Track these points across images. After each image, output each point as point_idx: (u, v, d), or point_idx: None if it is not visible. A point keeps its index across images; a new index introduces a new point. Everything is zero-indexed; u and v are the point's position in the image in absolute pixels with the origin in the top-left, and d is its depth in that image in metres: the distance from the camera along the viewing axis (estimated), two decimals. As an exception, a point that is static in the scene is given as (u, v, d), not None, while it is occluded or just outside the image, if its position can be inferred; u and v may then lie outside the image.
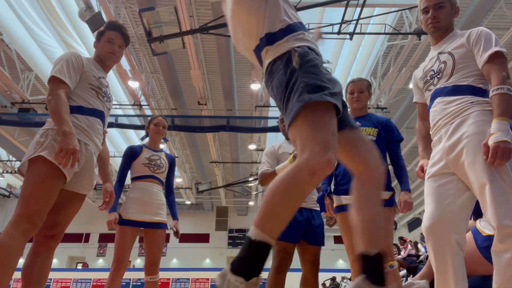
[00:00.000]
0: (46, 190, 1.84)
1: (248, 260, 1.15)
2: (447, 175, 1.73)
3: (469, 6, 8.11)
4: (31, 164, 1.87)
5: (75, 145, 1.80)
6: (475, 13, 7.93)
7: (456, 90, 1.77)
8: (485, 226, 2.07)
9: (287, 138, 3.02)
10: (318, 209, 2.75)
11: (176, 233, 3.07)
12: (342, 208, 2.44)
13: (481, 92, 1.75)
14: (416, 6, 2.07)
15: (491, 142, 1.55)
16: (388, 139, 2.52)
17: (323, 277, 13.58)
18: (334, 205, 2.50)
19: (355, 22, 7.55)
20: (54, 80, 1.97)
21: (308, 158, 1.19)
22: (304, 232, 2.69)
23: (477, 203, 1.68)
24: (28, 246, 1.98)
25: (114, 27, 2.24)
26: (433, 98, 1.86)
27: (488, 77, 1.72)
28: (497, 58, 1.70)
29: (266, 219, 1.19)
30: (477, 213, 2.09)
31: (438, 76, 1.86)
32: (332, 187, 2.62)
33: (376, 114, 2.67)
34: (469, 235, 2.12)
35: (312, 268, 2.69)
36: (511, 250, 1.45)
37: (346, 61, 11.19)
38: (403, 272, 7.12)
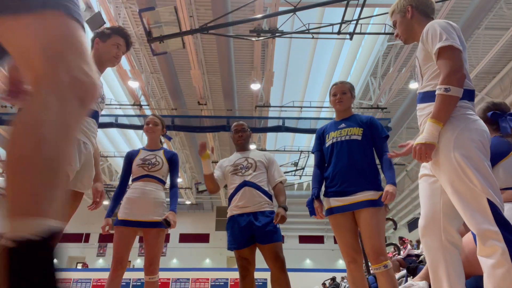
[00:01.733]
0: None
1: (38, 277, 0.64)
2: (434, 176, 1.77)
3: (469, 6, 8.11)
4: None
5: None
6: (475, 13, 7.93)
7: (424, 97, 1.79)
8: None
9: (242, 149, 3.10)
10: (264, 210, 2.84)
11: (167, 223, 2.81)
12: (332, 211, 2.47)
13: None
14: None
15: (414, 142, 1.66)
16: (374, 136, 2.54)
17: (323, 277, 13.57)
18: (325, 208, 2.53)
19: (355, 22, 7.55)
20: None
21: (65, 81, 0.75)
22: (253, 235, 2.78)
23: None
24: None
25: (123, 35, 2.28)
26: (417, 103, 1.90)
27: None
28: (442, 53, 1.67)
29: (37, 189, 0.67)
30: None
31: (418, 80, 1.88)
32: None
33: (361, 115, 2.71)
34: (469, 235, 2.12)
35: (275, 264, 2.75)
36: (495, 254, 1.46)
37: (346, 61, 11.20)
38: (403, 272, 7.12)
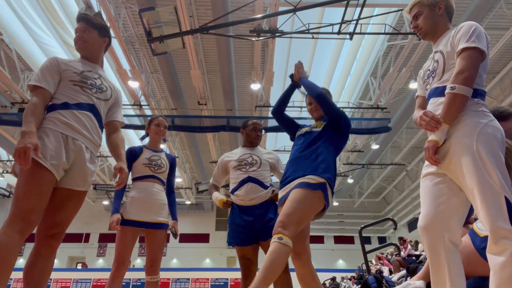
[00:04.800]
0: (36, 187, 1.84)
1: None
2: (441, 175, 1.74)
3: (469, 6, 8.12)
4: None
5: (26, 143, 1.77)
6: (475, 13, 7.93)
7: (443, 91, 1.75)
8: (482, 228, 2.07)
9: (251, 146, 3.07)
10: (267, 200, 2.82)
11: (174, 234, 3.07)
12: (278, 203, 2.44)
13: None
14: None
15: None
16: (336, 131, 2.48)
17: (323, 277, 13.59)
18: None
19: (355, 22, 7.55)
20: (31, 89, 2.02)
21: None
22: (255, 234, 2.75)
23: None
24: (30, 247, 1.97)
25: (77, 19, 2.29)
26: (428, 98, 1.87)
27: None
28: (464, 53, 1.69)
29: None
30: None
31: (432, 75, 1.86)
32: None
33: None
34: (467, 237, 2.12)
35: None
36: (505, 252, 1.44)
37: (346, 61, 11.20)
38: (403, 272, 7.13)
